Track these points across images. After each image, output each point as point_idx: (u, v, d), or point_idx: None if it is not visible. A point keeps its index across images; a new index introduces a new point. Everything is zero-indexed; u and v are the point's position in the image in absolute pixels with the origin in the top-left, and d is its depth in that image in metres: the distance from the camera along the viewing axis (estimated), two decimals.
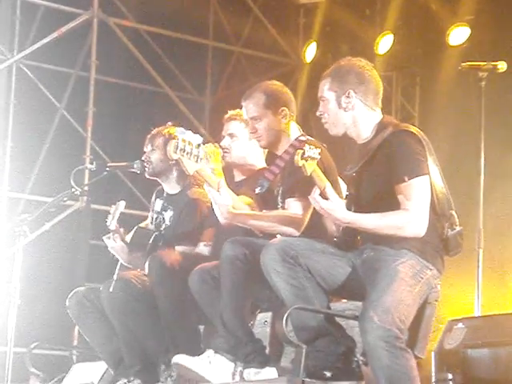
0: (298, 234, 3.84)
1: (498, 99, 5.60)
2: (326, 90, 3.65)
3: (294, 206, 3.88)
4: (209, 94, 9.27)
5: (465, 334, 3.71)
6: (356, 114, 3.61)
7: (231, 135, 4.39)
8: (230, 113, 4.45)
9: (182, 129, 3.88)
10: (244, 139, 4.38)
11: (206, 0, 9.00)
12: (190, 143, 3.74)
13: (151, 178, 4.75)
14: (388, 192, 3.47)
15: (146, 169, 4.69)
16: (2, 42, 8.42)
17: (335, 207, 3.42)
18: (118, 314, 4.42)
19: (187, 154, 3.74)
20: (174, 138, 3.76)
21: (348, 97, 3.60)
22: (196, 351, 4.05)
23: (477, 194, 4.65)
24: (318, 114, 3.70)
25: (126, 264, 4.63)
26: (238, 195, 4.03)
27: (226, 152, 4.35)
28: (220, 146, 4.28)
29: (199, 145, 3.78)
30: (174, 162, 4.22)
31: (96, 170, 4.81)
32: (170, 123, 4.76)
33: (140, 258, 4.55)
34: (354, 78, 3.60)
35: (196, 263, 4.13)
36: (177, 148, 3.71)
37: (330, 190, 3.42)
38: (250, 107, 4.11)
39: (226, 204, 3.88)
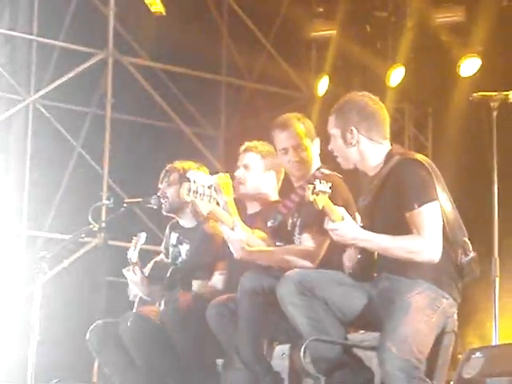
0: (313, 267, 3.86)
1: (510, 129, 5.63)
2: (332, 127, 3.71)
3: (308, 240, 3.91)
4: (223, 129, 9.36)
5: (483, 363, 3.70)
6: (362, 149, 3.65)
7: (246, 166, 4.42)
8: (247, 144, 4.48)
9: (194, 171, 3.93)
10: (258, 171, 4.42)
11: (219, 37, 9.12)
12: (202, 185, 3.79)
13: (168, 214, 4.79)
14: (400, 221, 3.49)
15: (163, 205, 4.72)
16: (19, 83, 8.55)
17: (349, 226, 3.44)
18: (137, 347, 4.44)
19: (200, 195, 3.78)
20: (188, 181, 3.80)
21: (351, 133, 3.65)
22: None
23: (491, 223, 4.66)
24: (329, 148, 3.76)
25: (145, 297, 4.65)
26: (251, 228, 4.07)
27: (240, 183, 4.39)
28: (234, 177, 4.33)
29: (211, 185, 3.83)
30: None
31: (113, 206, 4.86)
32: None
33: (158, 292, 4.59)
34: (356, 114, 3.64)
35: (210, 300, 4.15)
36: (190, 190, 3.77)
37: (343, 212, 3.46)
38: (292, 135, 4.11)
39: (240, 241, 3.92)
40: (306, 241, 3.92)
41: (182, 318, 4.27)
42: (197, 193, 3.78)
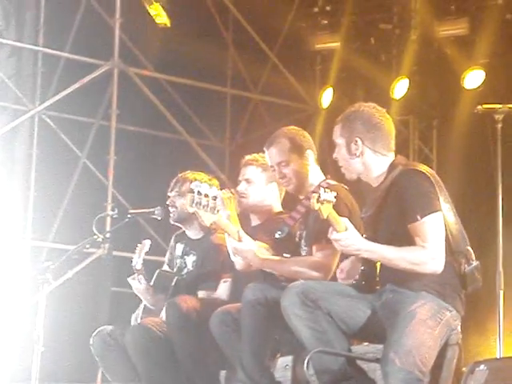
0: (326, 278, 3.86)
1: None
2: (337, 136, 3.72)
3: (321, 252, 3.91)
4: (228, 140, 9.37)
5: (487, 375, 3.69)
6: (366, 161, 3.66)
7: (248, 180, 4.44)
8: (247, 158, 4.50)
9: (197, 182, 3.94)
10: (261, 184, 4.44)
11: (224, 48, 9.15)
12: (206, 196, 3.80)
13: (175, 224, 4.80)
14: (403, 232, 3.50)
15: (171, 214, 4.73)
16: (25, 94, 8.58)
17: (353, 237, 3.44)
18: (139, 358, 4.44)
19: (204, 206, 3.80)
20: (192, 192, 3.81)
21: (356, 144, 3.66)
22: None
23: (495, 236, 4.65)
24: (334, 157, 3.77)
25: (150, 306, 4.65)
26: (254, 240, 4.07)
27: (242, 197, 4.40)
28: (237, 191, 4.34)
29: (215, 197, 3.83)
30: None
31: (118, 216, 4.87)
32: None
33: (162, 301, 4.59)
34: (361, 125, 3.65)
35: (214, 309, 4.15)
36: (193, 202, 3.78)
37: (347, 222, 3.46)
38: (275, 153, 4.15)
39: (251, 250, 3.93)
40: (320, 253, 3.92)
41: (183, 320, 4.26)
42: (200, 204, 3.79)
